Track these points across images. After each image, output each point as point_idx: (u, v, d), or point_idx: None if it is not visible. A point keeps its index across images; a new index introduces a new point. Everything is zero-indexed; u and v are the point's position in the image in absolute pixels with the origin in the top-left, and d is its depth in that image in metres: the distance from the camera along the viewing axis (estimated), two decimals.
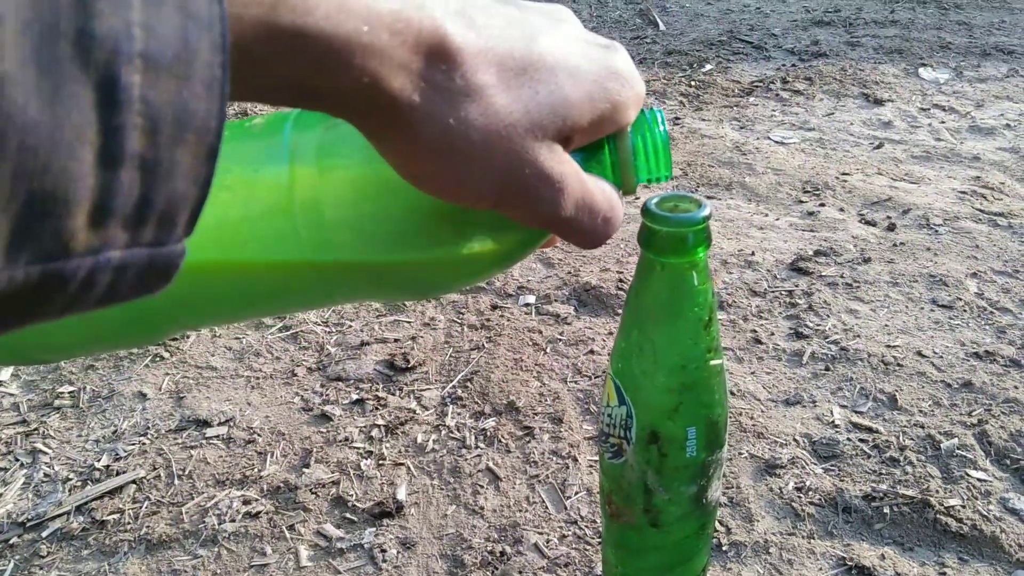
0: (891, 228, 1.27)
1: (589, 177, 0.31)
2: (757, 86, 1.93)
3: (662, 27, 2.44)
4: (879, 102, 1.81)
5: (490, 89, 0.26)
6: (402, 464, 0.82)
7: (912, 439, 0.83)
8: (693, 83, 1.96)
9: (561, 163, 0.29)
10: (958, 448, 0.81)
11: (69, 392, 0.95)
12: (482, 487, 0.79)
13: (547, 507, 0.77)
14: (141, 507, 0.79)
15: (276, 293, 0.34)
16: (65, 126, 0.15)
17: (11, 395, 0.95)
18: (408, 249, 0.32)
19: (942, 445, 0.82)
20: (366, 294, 0.35)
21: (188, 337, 1.04)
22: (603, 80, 0.29)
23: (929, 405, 0.88)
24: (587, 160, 0.32)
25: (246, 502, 0.79)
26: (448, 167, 0.26)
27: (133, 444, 0.87)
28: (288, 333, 1.04)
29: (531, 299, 1.10)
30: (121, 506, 0.79)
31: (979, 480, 0.78)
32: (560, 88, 0.28)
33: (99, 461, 0.84)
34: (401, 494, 0.78)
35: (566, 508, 0.76)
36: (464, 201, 0.28)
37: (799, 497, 0.77)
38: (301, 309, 0.38)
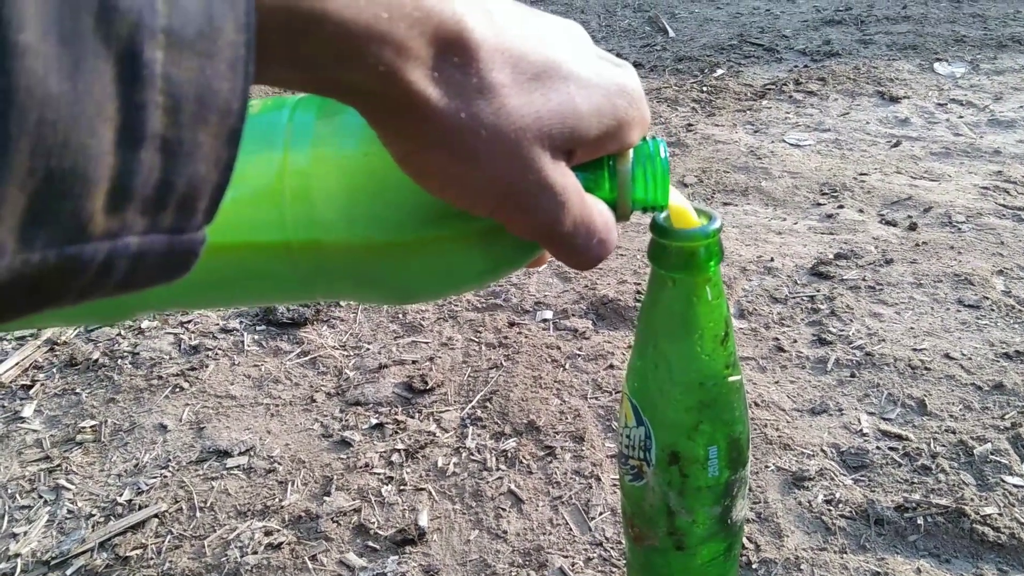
0: (912, 228, 1.25)
1: (589, 195, 0.30)
2: (770, 89, 1.92)
3: (672, 33, 2.43)
4: (895, 99, 1.79)
5: (504, 89, 0.26)
6: (423, 489, 0.81)
7: (944, 445, 0.81)
8: (705, 88, 1.95)
9: (564, 176, 0.28)
10: (992, 453, 0.79)
11: (91, 426, 0.95)
12: (504, 510, 0.78)
13: (571, 529, 0.75)
14: (164, 541, 0.78)
15: (253, 279, 0.33)
16: (86, 101, 0.15)
17: (34, 431, 0.95)
18: (394, 245, 0.32)
19: (975, 451, 0.79)
20: (346, 289, 0.34)
21: (207, 366, 1.04)
22: (612, 96, 0.29)
23: (960, 409, 0.86)
24: (586, 179, 0.31)
25: (268, 533, 0.78)
26: (453, 164, 0.26)
27: (154, 477, 0.86)
28: (307, 358, 1.04)
29: (548, 314, 1.09)
30: (144, 541, 0.79)
31: (1015, 486, 0.75)
32: (571, 98, 0.27)
33: (121, 496, 0.84)
34: (423, 520, 0.77)
35: (591, 529, 0.75)
36: (462, 202, 0.28)
37: (829, 510, 0.75)
38: (277, 300, 0.37)
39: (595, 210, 0.30)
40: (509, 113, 0.26)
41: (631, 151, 0.33)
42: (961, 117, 1.67)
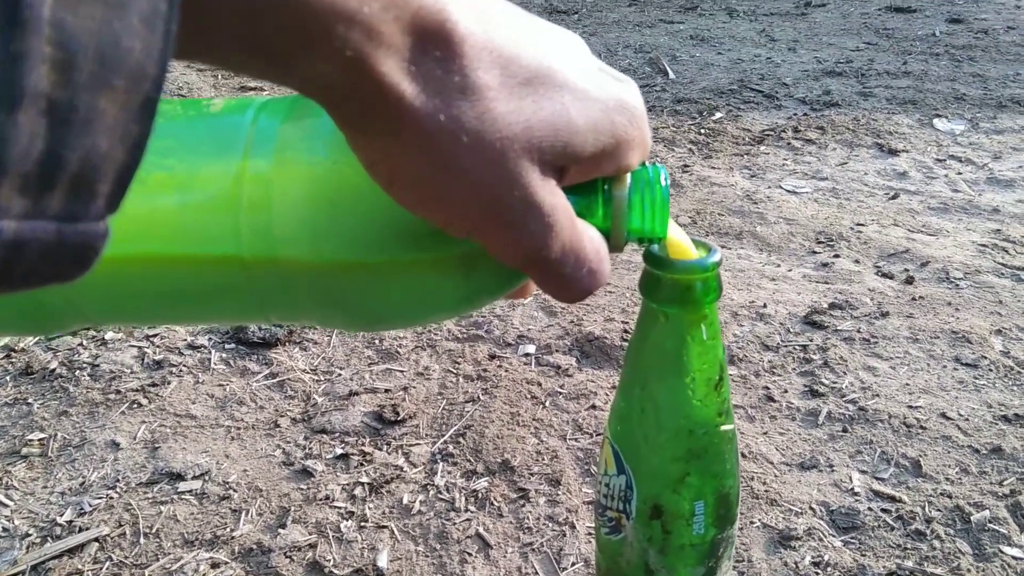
0: (909, 281, 1.22)
1: (580, 220, 0.27)
2: (768, 135, 1.90)
3: (671, 76, 2.42)
4: (894, 152, 1.77)
5: (490, 92, 0.22)
6: (385, 527, 0.76)
7: (939, 510, 0.77)
8: (703, 131, 1.93)
9: (554, 195, 0.25)
10: (990, 521, 0.75)
11: (39, 439, 0.89)
12: (470, 555, 0.73)
13: None
14: (102, 568, 0.73)
15: (202, 296, 0.29)
16: None
17: None
18: (360, 265, 0.28)
19: (972, 517, 0.75)
20: (307, 311, 0.30)
21: (169, 383, 0.98)
22: (611, 112, 0.26)
23: (956, 472, 0.82)
24: (577, 203, 0.28)
25: (214, 565, 0.73)
26: (429, 173, 0.23)
27: (100, 498, 0.81)
28: (274, 381, 0.99)
29: (531, 349, 1.04)
30: (80, 567, 0.73)
31: (1014, 558, 0.71)
32: (566, 109, 0.24)
33: (62, 516, 0.79)
34: (382, 561, 0.72)
35: None
36: (438, 218, 0.24)
37: (817, 573, 0.70)
38: (228, 320, 0.33)
39: (586, 236, 0.27)
40: (495, 119, 0.23)
41: (628, 176, 0.30)
42: (960, 174, 1.65)
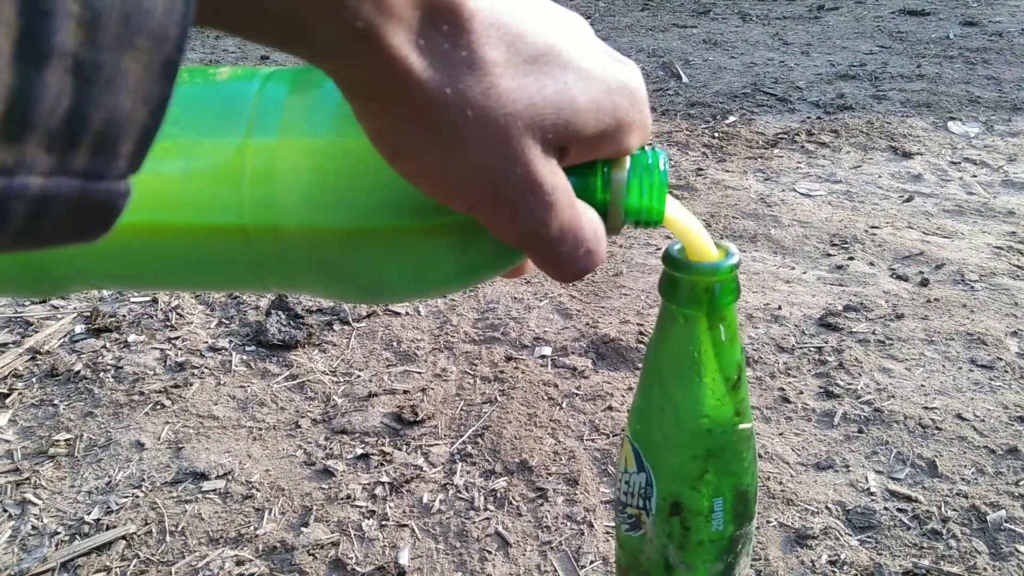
0: (924, 283, 1.22)
1: (579, 201, 0.27)
2: (782, 138, 1.90)
3: (685, 79, 2.43)
4: (908, 155, 1.77)
5: (496, 68, 0.23)
6: (406, 525, 0.77)
7: (955, 509, 0.77)
8: (716, 134, 1.94)
9: (554, 174, 0.25)
10: (1006, 521, 0.75)
11: (65, 440, 0.91)
12: (490, 553, 0.74)
13: None
14: (129, 565, 0.74)
15: (204, 264, 0.30)
16: None
17: (6, 441, 0.91)
18: (361, 233, 0.28)
19: (988, 517, 0.76)
20: (307, 281, 0.31)
21: (191, 385, 1.00)
22: (613, 93, 0.26)
23: (972, 472, 0.82)
24: (576, 184, 0.28)
25: (239, 563, 0.74)
26: (433, 146, 0.23)
27: (126, 497, 0.82)
28: (295, 382, 1.00)
29: (547, 351, 1.05)
30: (108, 563, 0.75)
31: None
32: (569, 89, 0.25)
33: (89, 514, 0.80)
34: (403, 558, 0.73)
35: None
36: (440, 193, 0.25)
37: (833, 571, 0.71)
38: (229, 287, 0.34)
39: (584, 217, 0.27)
40: (500, 95, 0.23)
41: (628, 159, 0.30)
42: (975, 176, 1.65)
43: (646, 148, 0.31)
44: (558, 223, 0.26)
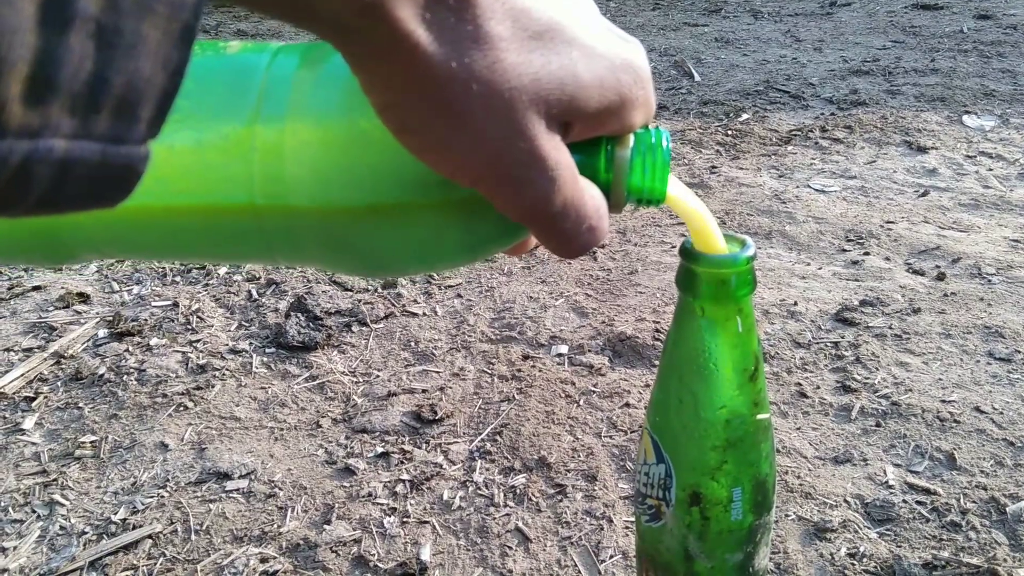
0: (941, 278, 1.22)
1: (582, 177, 0.28)
2: (795, 135, 1.90)
3: (697, 78, 2.43)
4: (923, 150, 1.77)
5: (502, 43, 0.23)
6: (427, 522, 0.78)
7: (974, 502, 0.77)
8: (730, 132, 1.94)
9: (558, 150, 0.26)
10: None
11: (91, 442, 0.93)
12: (511, 548, 0.75)
13: (580, 571, 0.72)
14: (156, 564, 0.76)
15: (213, 237, 0.30)
16: None
17: (33, 444, 0.93)
18: (368, 207, 0.29)
19: (1008, 509, 0.76)
20: (315, 255, 0.31)
21: (213, 387, 1.01)
22: (617, 70, 0.27)
23: (991, 465, 0.82)
24: (580, 161, 0.28)
25: (264, 560, 0.75)
26: (438, 119, 0.24)
27: (151, 497, 0.84)
28: (315, 383, 1.02)
29: (564, 349, 1.06)
30: (136, 562, 0.76)
31: None
32: (573, 64, 0.25)
33: (116, 514, 0.82)
34: (425, 554, 0.74)
35: (600, 573, 0.72)
36: (445, 166, 0.25)
37: (852, 564, 0.71)
38: (237, 259, 0.34)
39: (587, 194, 0.28)
40: (505, 69, 0.23)
41: (631, 137, 0.30)
42: (991, 170, 1.65)
43: (650, 127, 0.31)
44: (561, 198, 0.26)
